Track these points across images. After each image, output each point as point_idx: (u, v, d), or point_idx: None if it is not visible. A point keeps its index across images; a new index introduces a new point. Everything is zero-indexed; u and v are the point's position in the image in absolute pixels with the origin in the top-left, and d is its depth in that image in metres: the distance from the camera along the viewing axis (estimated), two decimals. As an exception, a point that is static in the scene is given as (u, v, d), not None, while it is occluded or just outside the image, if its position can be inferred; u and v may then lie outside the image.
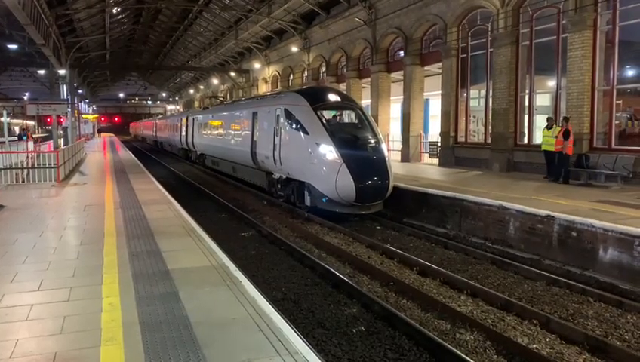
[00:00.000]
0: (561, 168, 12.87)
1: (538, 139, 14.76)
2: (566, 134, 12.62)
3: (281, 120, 13.26)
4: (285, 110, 13.10)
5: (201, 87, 58.95)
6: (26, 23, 18.52)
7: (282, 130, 13.25)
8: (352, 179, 11.20)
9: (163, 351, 3.80)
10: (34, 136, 44.58)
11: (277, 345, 3.87)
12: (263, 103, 15.80)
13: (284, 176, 13.70)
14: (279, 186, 14.36)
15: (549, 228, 8.93)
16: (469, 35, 17.66)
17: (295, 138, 12.63)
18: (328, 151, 11.55)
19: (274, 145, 13.63)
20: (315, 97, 13.10)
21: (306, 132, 12.20)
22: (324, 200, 11.75)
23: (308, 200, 12.44)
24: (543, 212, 9.11)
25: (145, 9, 38.24)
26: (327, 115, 13.10)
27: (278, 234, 10.88)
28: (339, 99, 13.35)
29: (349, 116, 13.64)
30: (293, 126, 12.69)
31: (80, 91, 45.67)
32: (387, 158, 12.09)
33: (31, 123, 50.32)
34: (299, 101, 12.97)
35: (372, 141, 12.18)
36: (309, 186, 12.26)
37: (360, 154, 11.69)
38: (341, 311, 6.64)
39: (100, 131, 75.11)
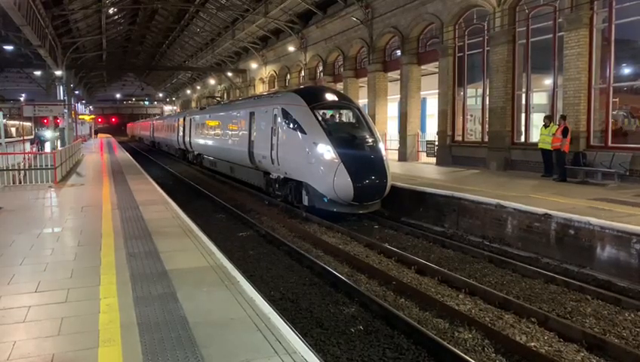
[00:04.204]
0: (559, 166, 12.89)
1: (535, 137, 14.78)
2: (565, 132, 12.65)
3: (279, 120, 13.25)
4: (283, 110, 13.09)
5: (198, 87, 58.87)
6: (21, 24, 18.46)
7: (280, 130, 13.23)
8: (349, 179, 11.19)
9: (161, 351, 3.79)
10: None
11: (275, 345, 3.87)
12: (260, 103, 15.79)
13: (281, 176, 13.69)
14: (277, 186, 14.35)
15: (546, 226, 8.95)
16: (466, 33, 17.68)
17: (292, 137, 12.61)
18: (326, 151, 11.54)
19: (271, 145, 13.61)
20: (312, 97, 13.08)
21: (303, 131, 12.18)
22: (325, 199, 11.72)
23: (306, 200, 12.43)
24: (540, 210, 9.13)
25: (141, 9, 38.19)
26: (325, 114, 13.10)
27: (276, 234, 10.87)
28: (336, 98, 13.33)
29: (346, 115, 13.62)
30: (291, 125, 12.67)
31: (77, 92, 45.57)
32: (385, 158, 12.08)
33: (27, 124, 50.17)
34: (296, 101, 12.95)
35: (370, 140, 12.16)
36: (307, 186, 12.25)
37: (358, 154, 11.67)
38: (339, 311, 6.63)
39: (96, 132, 74.88)
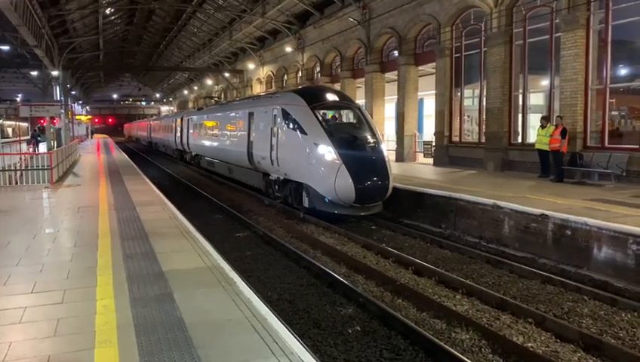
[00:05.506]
0: (556, 166, 12.91)
1: (532, 138, 14.80)
2: (564, 133, 12.69)
3: (278, 120, 13.17)
4: (282, 110, 12.99)
5: (195, 87, 58.81)
6: (18, 24, 18.42)
7: (279, 131, 13.16)
8: (351, 180, 11.10)
9: (158, 352, 3.78)
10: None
11: (272, 346, 3.87)
12: (259, 103, 15.73)
13: (281, 177, 13.63)
14: (276, 187, 14.28)
15: (543, 226, 8.96)
16: (463, 34, 17.70)
17: (293, 138, 12.54)
18: (327, 152, 11.45)
19: (271, 146, 13.52)
20: (312, 97, 12.98)
21: (303, 132, 12.08)
22: (326, 200, 11.64)
23: (306, 202, 12.33)
24: (537, 211, 9.14)
25: (138, 10, 38.12)
26: (326, 114, 13.02)
27: (273, 235, 10.86)
28: (337, 98, 13.22)
29: (347, 116, 13.52)
30: (291, 126, 12.59)
31: (73, 92, 45.46)
32: (387, 158, 11.98)
33: (24, 124, 50.14)
34: (296, 101, 12.86)
35: (371, 141, 12.08)
36: (307, 187, 12.15)
37: (359, 155, 11.58)
38: (337, 311, 6.63)
39: (93, 132, 74.71)
